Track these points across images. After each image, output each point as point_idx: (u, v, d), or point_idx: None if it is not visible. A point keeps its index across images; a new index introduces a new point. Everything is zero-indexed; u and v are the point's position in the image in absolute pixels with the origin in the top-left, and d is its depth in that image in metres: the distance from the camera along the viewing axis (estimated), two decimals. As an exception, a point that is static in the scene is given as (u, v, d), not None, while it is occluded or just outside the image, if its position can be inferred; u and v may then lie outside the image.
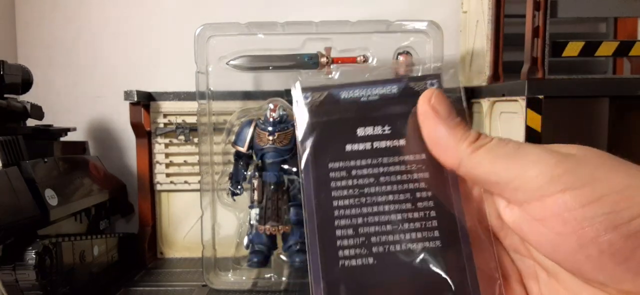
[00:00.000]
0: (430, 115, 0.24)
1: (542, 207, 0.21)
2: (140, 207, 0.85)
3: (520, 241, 0.24)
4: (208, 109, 0.71)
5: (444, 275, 0.24)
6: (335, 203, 0.25)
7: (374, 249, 0.24)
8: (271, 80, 0.81)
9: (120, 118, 0.91)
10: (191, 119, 0.81)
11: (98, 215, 0.78)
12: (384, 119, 0.27)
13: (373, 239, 0.25)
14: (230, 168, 0.71)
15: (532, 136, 0.60)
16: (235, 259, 0.72)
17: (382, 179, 0.25)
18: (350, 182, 0.26)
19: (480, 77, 0.79)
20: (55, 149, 0.71)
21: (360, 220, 0.25)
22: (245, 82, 0.81)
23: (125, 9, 0.93)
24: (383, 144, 0.26)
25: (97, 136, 0.93)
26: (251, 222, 0.67)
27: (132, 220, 0.92)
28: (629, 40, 0.70)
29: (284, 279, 0.70)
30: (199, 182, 0.73)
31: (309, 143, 0.26)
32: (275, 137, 0.65)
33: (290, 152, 0.66)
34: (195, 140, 0.81)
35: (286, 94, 0.73)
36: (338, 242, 0.25)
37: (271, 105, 0.66)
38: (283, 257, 0.70)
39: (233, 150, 0.69)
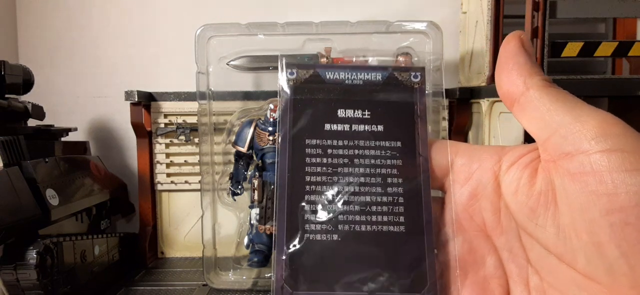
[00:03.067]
0: (517, 43, 0.24)
1: (584, 161, 0.20)
2: (141, 206, 0.85)
3: (517, 238, 0.24)
4: (208, 109, 0.71)
5: (404, 261, 0.24)
6: (307, 178, 0.26)
7: (340, 227, 0.25)
8: (271, 81, 0.82)
9: (121, 118, 0.92)
10: (192, 119, 0.82)
11: (99, 215, 0.78)
12: (366, 103, 0.27)
13: (340, 218, 0.25)
14: (230, 168, 0.71)
15: (531, 137, 0.60)
16: (236, 259, 0.72)
17: (356, 161, 0.26)
18: (324, 160, 0.26)
19: (480, 77, 0.79)
20: (56, 149, 0.71)
21: (329, 197, 0.26)
22: (246, 82, 0.82)
23: (126, 10, 0.93)
24: (361, 127, 0.27)
25: (98, 136, 0.93)
26: (251, 222, 0.68)
27: (132, 220, 0.92)
28: (628, 41, 0.70)
29: (284, 278, 0.70)
30: (200, 182, 0.73)
31: (289, 118, 0.27)
32: (275, 137, 0.65)
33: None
34: (196, 140, 0.81)
35: (286, 94, 0.73)
36: (305, 216, 0.25)
37: (271, 106, 0.66)
38: (283, 257, 0.70)
39: (233, 150, 0.69)
